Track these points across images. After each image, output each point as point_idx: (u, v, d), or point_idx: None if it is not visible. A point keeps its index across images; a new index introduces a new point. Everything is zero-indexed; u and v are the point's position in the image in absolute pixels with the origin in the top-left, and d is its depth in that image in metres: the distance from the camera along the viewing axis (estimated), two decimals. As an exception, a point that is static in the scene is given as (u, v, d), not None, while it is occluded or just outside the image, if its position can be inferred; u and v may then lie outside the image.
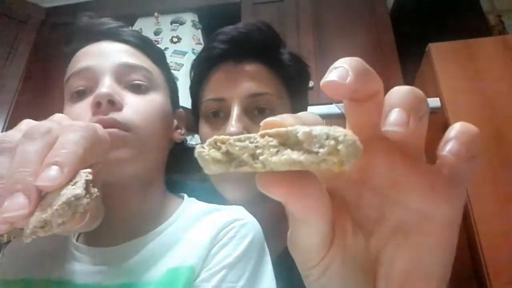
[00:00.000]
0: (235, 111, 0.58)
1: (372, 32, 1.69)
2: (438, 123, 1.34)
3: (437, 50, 1.43)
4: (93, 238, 0.50)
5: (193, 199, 0.56)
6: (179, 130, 0.59)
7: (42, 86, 1.90)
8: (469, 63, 1.37)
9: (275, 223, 0.65)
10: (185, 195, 0.57)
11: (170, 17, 1.92)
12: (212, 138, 0.19)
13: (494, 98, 1.30)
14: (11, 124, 1.84)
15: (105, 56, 0.51)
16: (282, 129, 0.18)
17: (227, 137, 0.19)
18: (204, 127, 0.64)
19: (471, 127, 0.21)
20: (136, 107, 0.49)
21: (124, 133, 0.46)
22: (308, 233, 0.22)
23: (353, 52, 1.62)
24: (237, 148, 0.18)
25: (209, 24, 1.94)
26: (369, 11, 1.75)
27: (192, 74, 0.69)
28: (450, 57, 1.40)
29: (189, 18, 1.91)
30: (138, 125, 0.47)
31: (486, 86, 1.33)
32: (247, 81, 0.60)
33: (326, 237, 0.23)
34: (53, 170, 0.24)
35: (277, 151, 0.18)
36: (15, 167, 0.24)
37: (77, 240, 0.51)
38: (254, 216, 0.63)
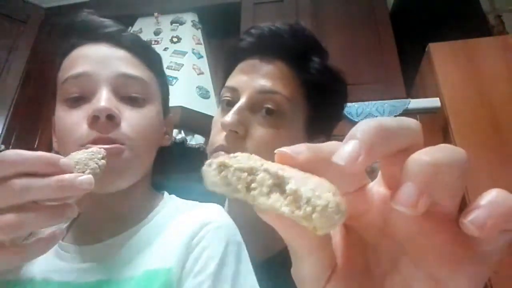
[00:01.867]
0: (239, 103, 0.58)
1: (372, 32, 1.69)
2: (438, 123, 1.34)
3: (437, 50, 1.43)
4: (79, 237, 0.52)
5: (173, 196, 0.58)
6: (167, 136, 0.61)
7: (42, 86, 1.90)
8: (469, 63, 1.37)
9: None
10: (166, 193, 0.59)
11: (170, 17, 1.92)
12: (220, 160, 0.20)
13: (494, 98, 1.30)
14: (11, 124, 1.84)
15: (104, 63, 0.51)
16: (281, 173, 0.19)
17: (232, 161, 0.20)
18: (217, 113, 0.65)
19: (510, 198, 0.18)
20: (133, 122, 0.50)
21: (122, 147, 0.47)
22: (300, 263, 0.22)
23: (353, 52, 1.62)
24: (234, 178, 0.20)
25: (209, 24, 1.94)
26: (369, 11, 1.75)
27: (224, 61, 0.70)
28: (450, 57, 1.40)
29: (189, 18, 1.91)
30: (134, 139, 0.49)
31: (486, 86, 1.33)
32: (263, 77, 0.59)
33: (320, 271, 0.22)
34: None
35: (269, 192, 0.19)
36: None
37: (63, 240, 0.52)
38: (249, 218, 0.63)
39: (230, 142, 0.57)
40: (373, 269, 0.23)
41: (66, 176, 0.34)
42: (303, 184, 0.18)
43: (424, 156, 0.18)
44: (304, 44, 0.63)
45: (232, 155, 0.21)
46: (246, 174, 0.19)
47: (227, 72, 0.66)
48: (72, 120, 0.48)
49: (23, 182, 0.33)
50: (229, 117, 0.56)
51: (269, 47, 0.61)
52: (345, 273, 0.22)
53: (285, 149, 0.20)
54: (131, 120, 0.50)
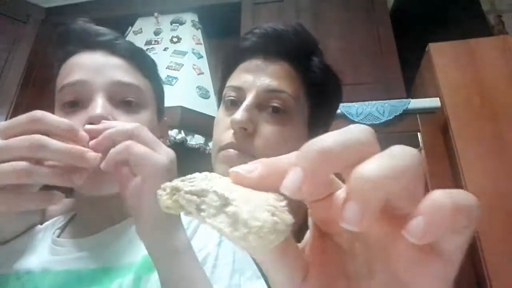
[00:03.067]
0: (247, 101, 0.59)
1: (372, 32, 1.69)
2: (438, 123, 1.34)
3: (437, 50, 1.43)
4: (75, 232, 0.55)
5: None
6: (161, 139, 0.62)
7: (42, 86, 1.90)
8: (469, 63, 1.37)
9: None
10: None
11: (170, 17, 1.92)
12: (173, 184, 0.22)
13: (494, 98, 1.30)
14: (11, 124, 1.84)
15: (99, 71, 0.52)
16: (226, 194, 0.20)
17: (184, 185, 0.21)
18: (220, 112, 0.65)
19: (451, 199, 0.17)
20: None
21: None
22: (268, 274, 0.22)
23: (353, 52, 1.62)
24: (184, 201, 0.21)
25: (209, 24, 1.94)
26: (369, 11, 1.75)
27: (224, 60, 0.71)
28: (450, 57, 1.40)
29: (189, 18, 1.91)
30: None
31: (486, 86, 1.33)
32: (268, 76, 0.61)
33: (289, 280, 0.22)
34: None
35: (216, 213, 0.20)
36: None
37: (58, 237, 0.54)
38: None
39: (239, 139, 0.58)
40: (349, 274, 0.23)
41: (79, 146, 0.38)
42: (245, 204, 0.19)
43: (364, 171, 0.17)
44: (306, 45, 0.65)
45: (189, 176, 0.23)
46: (195, 197, 0.21)
47: (227, 72, 0.67)
48: None
49: (42, 138, 0.36)
50: (239, 114, 0.57)
51: (274, 47, 0.62)
52: (319, 279, 0.22)
53: (237, 168, 0.21)
54: None
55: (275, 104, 0.59)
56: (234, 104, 0.62)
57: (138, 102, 0.54)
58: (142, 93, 0.55)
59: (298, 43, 0.63)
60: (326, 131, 0.71)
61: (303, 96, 0.63)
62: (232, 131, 0.59)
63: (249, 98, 0.59)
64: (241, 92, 0.61)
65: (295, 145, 0.67)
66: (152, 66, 0.61)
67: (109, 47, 0.55)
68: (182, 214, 0.22)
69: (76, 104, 0.51)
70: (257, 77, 0.61)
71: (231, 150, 0.58)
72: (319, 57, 0.66)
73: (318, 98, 0.64)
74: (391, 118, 1.32)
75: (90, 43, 0.55)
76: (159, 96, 0.62)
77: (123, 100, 0.52)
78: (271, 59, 0.62)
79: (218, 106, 0.69)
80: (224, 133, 0.60)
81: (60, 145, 0.36)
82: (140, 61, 0.58)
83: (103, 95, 0.50)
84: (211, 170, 0.63)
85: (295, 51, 0.62)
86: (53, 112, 0.54)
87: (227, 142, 0.59)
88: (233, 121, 0.57)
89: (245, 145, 0.58)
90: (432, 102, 1.34)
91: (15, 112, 1.86)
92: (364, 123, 1.31)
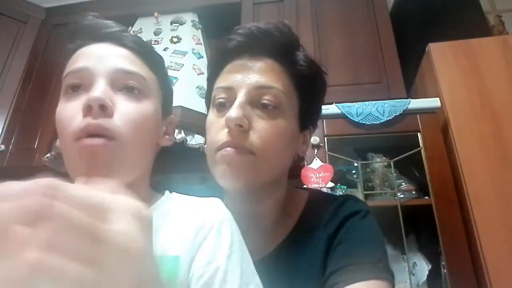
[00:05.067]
0: (239, 98, 0.59)
1: (372, 32, 1.69)
2: (438, 123, 1.34)
3: (437, 50, 1.43)
4: None
5: (174, 193, 0.59)
6: (167, 136, 0.61)
7: (42, 86, 1.90)
8: (469, 63, 1.37)
9: (273, 221, 0.66)
10: (167, 191, 0.59)
11: (170, 17, 1.92)
12: None
13: (494, 98, 1.30)
14: (11, 124, 1.84)
15: (103, 59, 0.52)
16: None
17: None
18: (210, 115, 0.65)
19: None
20: (126, 116, 0.50)
21: (109, 143, 0.47)
22: None
23: (353, 52, 1.62)
24: None
25: (209, 24, 1.94)
26: (369, 11, 1.75)
27: (210, 63, 0.72)
28: (450, 57, 1.40)
29: (189, 18, 1.91)
30: (125, 134, 0.49)
31: (486, 86, 1.33)
32: (256, 73, 0.61)
33: None
34: None
35: None
36: None
37: None
38: (253, 213, 0.64)
39: (235, 137, 0.58)
40: None
41: None
42: None
43: None
44: (290, 41, 0.66)
45: None
46: None
47: (214, 75, 0.67)
48: (68, 111, 0.50)
49: None
50: (234, 112, 0.57)
51: (258, 45, 0.63)
52: None
53: None
54: (125, 112, 0.50)
55: (267, 100, 0.60)
56: (224, 106, 0.62)
57: (141, 90, 0.53)
58: (145, 82, 0.54)
59: (282, 40, 0.64)
60: (315, 125, 0.72)
61: (292, 89, 0.64)
62: (226, 130, 0.59)
63: (240, 96, 0.60)
64: (231, 92, 0.62)
65: (289, 138, 0.68)
66: (159, 61, 0.61)
67: (116, 39, 0.55)
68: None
69: (78, 88, 0.51)
70: (245, 76, 0.61)
71: (229, 149, 0.58)
72: (302, 51, 0.67)
73: (306, 91, 0.65)
74: (391, 118, 1.32)
75: (98, 35, 0.55)
76: (166, 91, 0.61)
77: (125, 86, 0.52)
78: (256, 57, 0.63)
79: (207, 109, 0.69)
80: (219, 134, 0.60)
81: None
82: (147, 54, 0.57)
83: (105, 81, 0.50)
84: (208, 171, 0.63)
85: (279, 47, 0.63)
86: (54, 110, 0.53)
87: (224, 141, 0.58)
88: (229, 118, 0.57)
89: (242, 142, 0.58)
90: (432, 102, 1.34)
91: (15, 112, 1.86)
92: (364, 123, 1.32)
